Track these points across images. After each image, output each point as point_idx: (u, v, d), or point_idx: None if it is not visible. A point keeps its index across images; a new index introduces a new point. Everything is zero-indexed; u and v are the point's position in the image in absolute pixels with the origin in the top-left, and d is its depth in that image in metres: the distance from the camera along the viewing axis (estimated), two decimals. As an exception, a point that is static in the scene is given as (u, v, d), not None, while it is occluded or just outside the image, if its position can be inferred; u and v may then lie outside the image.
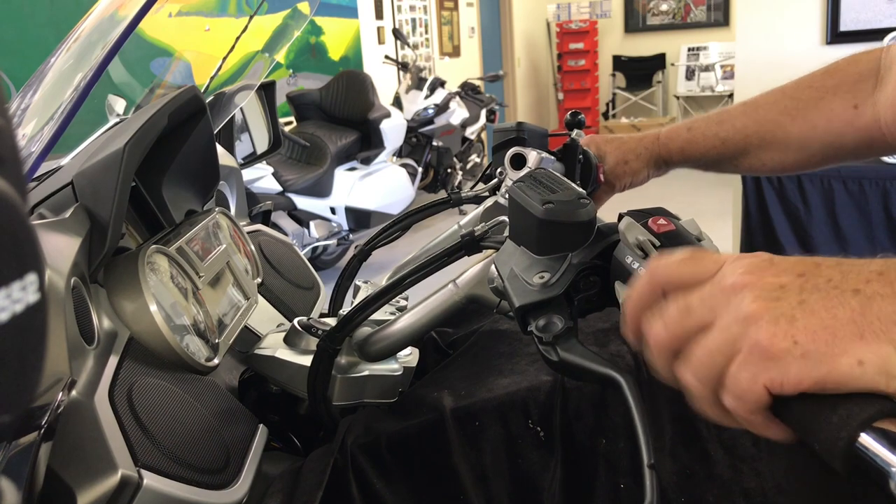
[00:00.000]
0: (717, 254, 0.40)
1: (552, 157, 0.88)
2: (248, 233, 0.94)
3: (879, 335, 0.33)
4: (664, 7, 8.50)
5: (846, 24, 3.36)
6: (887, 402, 0.33)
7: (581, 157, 0.91)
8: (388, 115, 4.82)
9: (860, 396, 0.33)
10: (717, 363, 0.37)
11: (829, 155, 0.87)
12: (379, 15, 6.07)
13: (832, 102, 0.84)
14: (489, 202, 0.91)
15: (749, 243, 2.78)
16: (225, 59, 1.07)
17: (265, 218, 1.66)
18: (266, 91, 1.54)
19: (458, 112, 5.71)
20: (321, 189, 4.26)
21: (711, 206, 2.65)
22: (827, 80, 0.85)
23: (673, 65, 8.33)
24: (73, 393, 0.50)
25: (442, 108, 5.49)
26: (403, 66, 5.73)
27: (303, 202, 4.13)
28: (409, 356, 0.77)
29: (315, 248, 4.14)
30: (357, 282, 0.94)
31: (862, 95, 0.82)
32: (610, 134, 0.98)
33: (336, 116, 4.77)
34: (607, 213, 0.56)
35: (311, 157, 4.39)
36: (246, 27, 1.06)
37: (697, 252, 0.40)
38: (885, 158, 2.46)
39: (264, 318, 0.87)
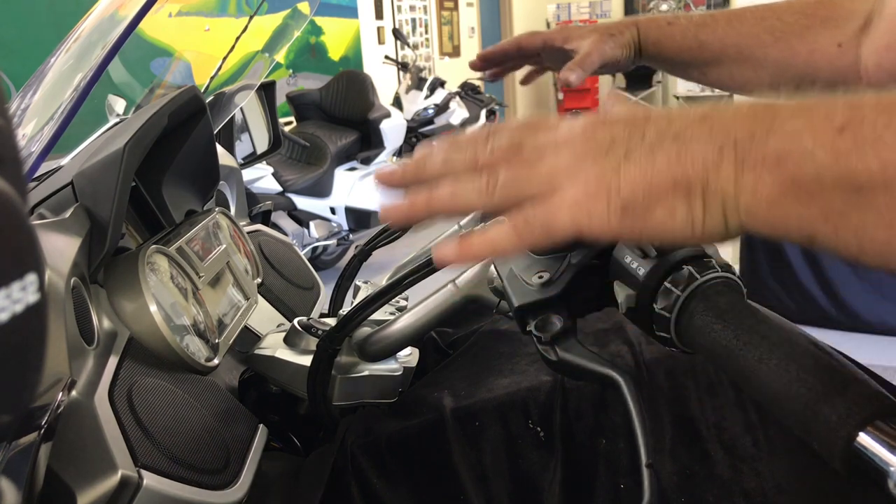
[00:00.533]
0: (552, 117, 0.40)
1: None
2: (248, 233, 0.94)
3: (692, 180, 0.33)
4: (664, 7, 8.49)
5: (846, 24, 3.35)
6: (887, 401, 0.33)
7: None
8: (388, 115, 4.82)
9: (859, 395, 0.33)
10: (527, 191, 0.37)
11: (801, 85, 0.84)
12: (379, 15, 6.07)
13: (818, 34, 0.80)
14: (489, 202, 0.91)
15: (749, 242, 2.79)
16: (225, 59, 1.07)
17: (265, 218, 1.65)
18: (266, 91, 1.54)
19: (458, 112, 5.71)
20: (321, 189, 4.26)
21: (711, 206, 2.67)
22: (819, 9, 0.82)
23: (673, 65, 8.32)
24: (73, 393, 0.50)
25: (442, 108, 5.49)
26: (403, 66, 5.73)
27: (303, 202, 4.13)
28: (409, 356, 0.77)
29: (315, 248, 4.14)
30: (357, 282, 0.94)
31: (848, 34, 0.79)
32: None
33: (336, 116, 4.77)
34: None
35: (311, 157, 4.39)
36: (246, 27, 1.06)
37: (537, 117, 0.40)
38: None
39: (264, 318, 0.87)
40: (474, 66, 0.93)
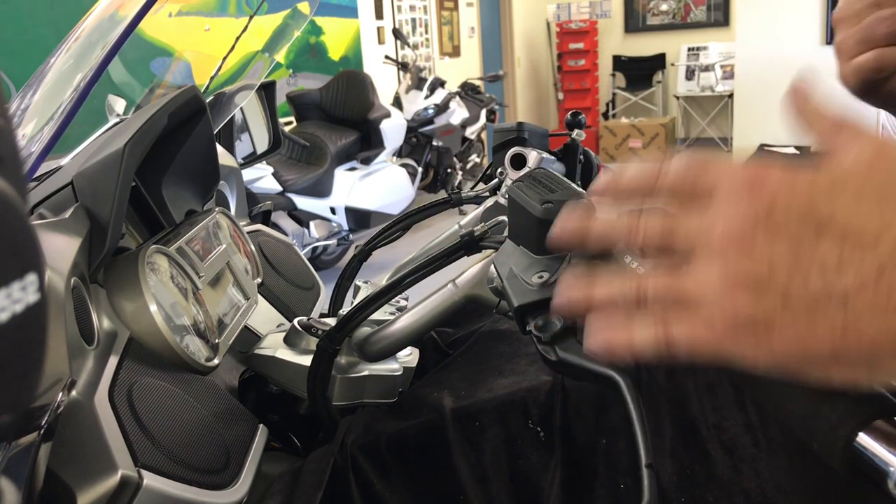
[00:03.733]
0: (716, 162, 0.33)
1: (552, 157, 0.88)
2: (248, 233, 0.94)
3: (857, 359, 0.29)
4: (664, 7, 8.50)
5: (846, 24, 3.36)
6: (886, 401, 0.33)
7: (581, 157, 0.91)
8: (388, 115, 4.82)
9: (859, 395, 0.33)
10: (672, 303, 0.33)
11: None
12: (379, 15, 6.07)
13: None
14: (489, 202, 0.91)
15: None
16: (225, 59, 1.07)
17: (265, 218, 1.65)
18: (266, 91, 1.54)
19: (458, 112, 5.71)
20: (321, 189, 4.26)
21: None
22: None
23: (673, 65, 8.32)
24: (73, 393, 0.50)
25: (442, 108, 5.49)
26: (403, 66, 5.73)
27: (303, 202, 4.13)
28: (409, 356, 0.77)
29: (315, 248, 4.14)
30: (357, 282, 0.94)
31: None
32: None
33: (336, 116, 4.77)
34: (607, 213, 0.56)
35: (311, 157, 4.39)
36: (246, 27, 1.06)
37: (698, 159, 0.34)
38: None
39: (264, 318, 0.87)
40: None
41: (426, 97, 5.44)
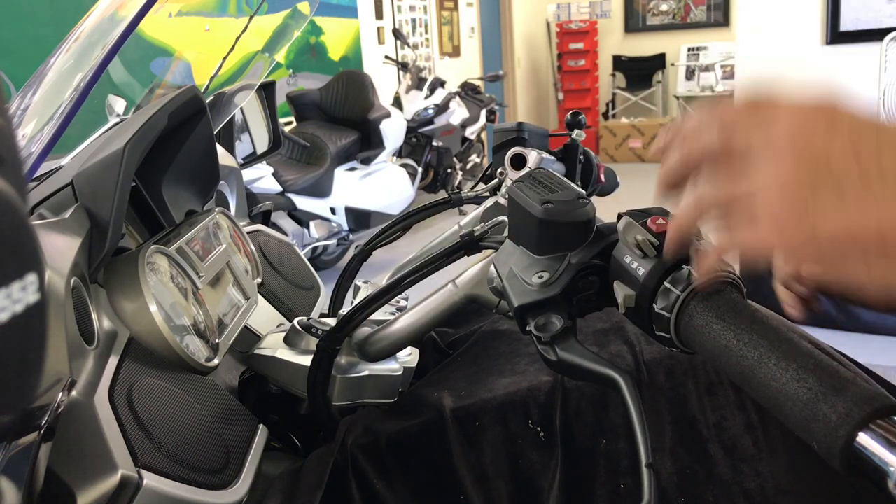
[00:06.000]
0: (777, 99, 0.36)
1: (552, 157, 0.88)
2: (248, 233, 0.94)
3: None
4: (664, 7, 8.50)
5: (846, 25, 3.37)
6: (886, 401, 0.33)
7: (581, 157, 0.91)
8: (388, 115, 4.82)
9: (859, 394, 0.33)
10: (730, 212, 0.35)
11: None
12: (379, 15, 6.07)
13: None
14: (489, 202, 0.91)
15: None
16: (225, 59, 1.07)
17: (265, 218, 1.66)
18: (266, 91, 1.54)
19: (458, 112, 5.71)
20: (321, 189, 4.26)
21: (711, 206, 2.68)
22: None
23: (673, 65, 8.32)
24: (73, 393, 0.50)
25: (442, 108, 5.49)
26: (403, 66, 5.73)
27: (303, 202, 4.13)
28: (409, 356, 0.77)
29: (315, 248, 4.14)
30: (357, 282, 0.94)
31: None
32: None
33: (336, 116, 4.77)
34: (607, 213, 0.56)
35: (311, 157, 4.39)
36: (246, 27, 1.06)
37: (760, 99, 0.37)
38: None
39: (264, 318, 0.87)
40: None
41: (426, 97, 5.44)
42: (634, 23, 8.67)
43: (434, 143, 5.40)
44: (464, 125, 5.82)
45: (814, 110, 0.34)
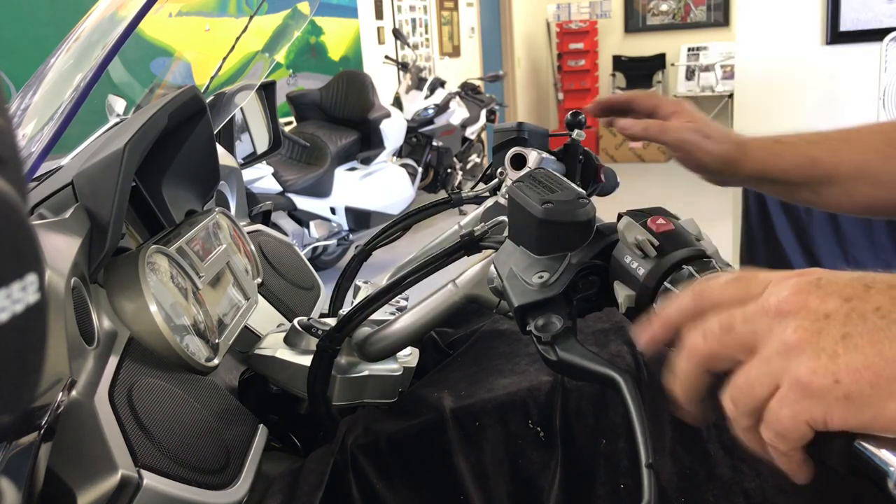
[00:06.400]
0: (763, 273, 0.37)
1: (552, 157, 0.88)
2: (248, 233, 0.94)
3: None
4: (664, 7, 8.50)
5: (846, 25, 3.37)
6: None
7: (581, 157, 0.91)
8: (388, 115, 4.82)
9: None
10: (758, 394, 0.35)
11: None
12: (379, 15, 6.07)
13: None
14: (489, 202, 0.91)
15: (749, 243, 2.79)
16: (225, 59, 1.07)
17: (265, 218, 1.66)
18: (266, 91, 1.54)
19: (458, 112, 5.71)
20: (321, 189, 4.26)
21: (711, 206, 2.67)
22: None
23: (673, 65, 8.32)
24: (73, 393, 0.50)
25: (442, 108, 5.49)
26: (403, 66, 5.73)
27: (303, 202, 4.13)
28: (409, 356, 0.77)
29: (315, 248, 4.14)
30: (357, 282, 0.94)
31: None
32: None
33: (336, 116, 4.77)
34: (607, 213, 0.56)
35: (311, 157, 4.39)
36: (246, 27, 1.06)
37: (745, 274, 0.38)
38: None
39: (264, 318, 0.87)
40: (593, 111, 0.90)
41: (426, 97, 5.44)
42: (634, 23, 8.67)
43: (434, 143, 5.40)
44: (464, 125, 5.82)
45: (798, 275, 0.35)
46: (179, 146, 0.81)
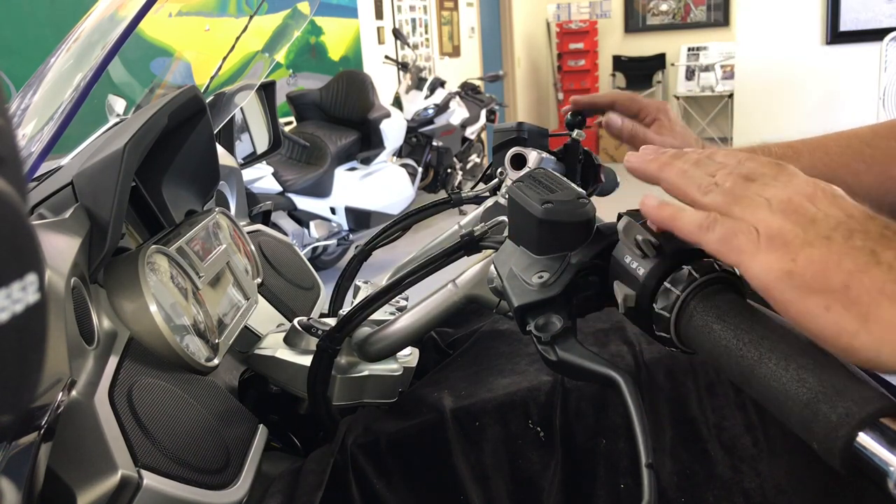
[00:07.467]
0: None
1: (552, 157, 0.88)
2: (248, 233, 0.94)
3: (859, 296, 0.34)
4: (664, 7, 8.50)
5: (846, 24, 3.37)
6: (886, 401, 0.33)
7: (581, 157, 0.91)
8: (388, 115, 4.82)
9: (859, 394, 0.33)
10: (715, 200, 0.41)
11: None
12: (379, 15, 6.07)
13: None
14: (489, 202, 0.91)
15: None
16: (225, 59, 1.07)
17: (265, 218, 1.66)
18: (266, 91, 1.54)
19: (458, 112, 5.71)
20: (321, 189, 4.26)
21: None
22: None
23: (673, 65, 8.33)
24: (73, 393, 0.50)
25: (442, 108, 5.49)
26: (403, 66, 5.73)
27: (303, 202, 4.13)
28: (409, 356, 0.77)
29: (315, 248, 4.14)
30: (357, 282, 0.94)
31: None
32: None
33: (336, 116, 4.77)
34: (607, 213, 0.56)
35: (311, 157, 4.39)
36: (246, 27, 1.06)
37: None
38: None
39: (264, 318, 0.87)
40: (568, 112, 0.93)
41: (426, 97, 5.45)
42: (634, 23, 8.68)
43: (434, 143, 5.40)
44: (464, 125, 5.82)
45: (822, 186, 0.40)
46: (179, 146, 0.81)
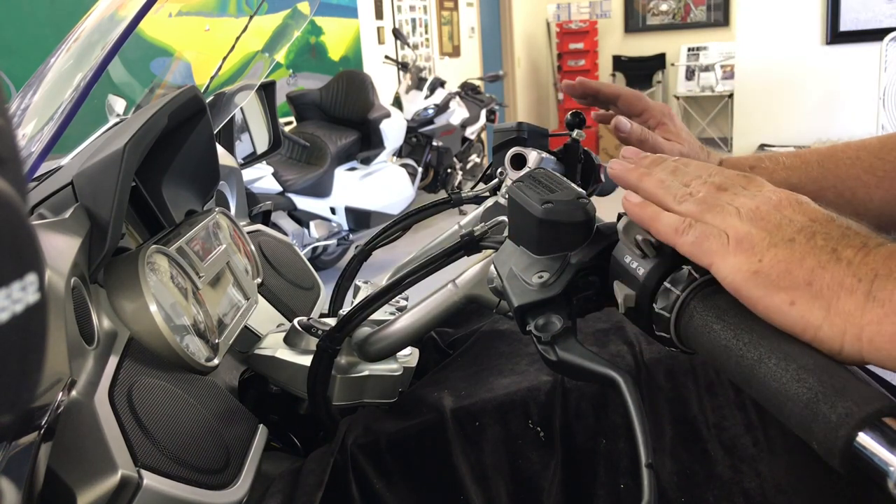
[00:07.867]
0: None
1: (552, 158, 0.88)
2: (248, 233, 0.94)
3: (821, 290, 0.37)
4: (664, 7, 8.50)
5: (846, 25, 3.37)
6: (886, 401, 0.33)
7: (582, 157, 0.91)
8: (388, 115, 4.82)
9: (859, 394, 0.33)
10: (690, 207, 0.43)
11: None
12: (379, 15, 6.07)
13: None
14: (489, 202, 0.91)
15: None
16: (225, 59, 1.07)
17: (265, 218, 1.65)
18: (266, 91, 1.54)
19: (458, 112, 5.71)
20: (321, 189, 4.26)
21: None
22: None
23: (673, 65, 8.33)
24: (73, 393, 0.50)
25: (442, 108, 5.49)
26: (403, 66, 5.73)
27: (303, 202, 4.13)
28: (409, 356, 0.77)
29: (315, 248, 4.14)
30: (357, 282, 0.94)
31: None
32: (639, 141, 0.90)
33: (336, 116, 4.78)
34: (607, 213, 0.56)
35: (311, 157, 4.39)
36: (246, 27, 1.06)
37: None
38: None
39: (264, 318, 0.87)
40: (571, 89, 0.91)
41: (426, 97, 5.45)
42: (634, 23, 8.68)
43: (434, 143, 5.40)
44: (464, 125, 5.82)
45: (787, 195, 0.43)
46: (179, 146, 0.81)
